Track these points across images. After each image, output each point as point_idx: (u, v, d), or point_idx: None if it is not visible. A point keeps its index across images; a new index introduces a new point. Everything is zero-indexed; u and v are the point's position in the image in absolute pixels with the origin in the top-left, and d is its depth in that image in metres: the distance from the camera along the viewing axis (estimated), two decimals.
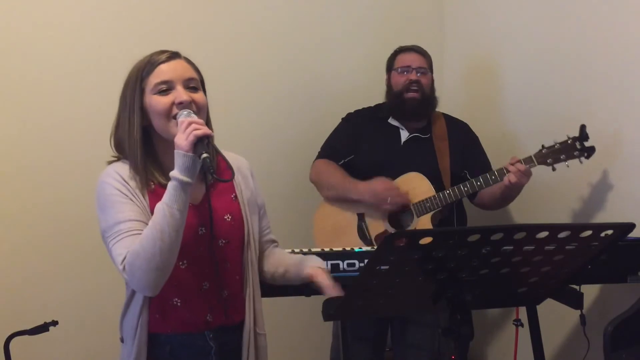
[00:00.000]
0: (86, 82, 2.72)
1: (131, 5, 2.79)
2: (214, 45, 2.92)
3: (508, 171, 2.41)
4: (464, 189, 2.51)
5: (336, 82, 3.21)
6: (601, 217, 2.54)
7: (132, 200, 1.62)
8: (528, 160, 2.41)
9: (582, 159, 2.36)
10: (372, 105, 2.87)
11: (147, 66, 1.66)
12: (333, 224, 2.72)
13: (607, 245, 1.49)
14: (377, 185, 2.57)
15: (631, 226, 1.44)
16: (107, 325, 2.65)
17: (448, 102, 3.07)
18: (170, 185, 1.55)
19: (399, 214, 2.63)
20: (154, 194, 1.66)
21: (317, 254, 2.01)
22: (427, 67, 2.75)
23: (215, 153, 1.68)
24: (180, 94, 1.63)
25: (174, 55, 1.68)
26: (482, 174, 2.50)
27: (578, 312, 2.18)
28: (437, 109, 2.80)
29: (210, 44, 2.91)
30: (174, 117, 1.62)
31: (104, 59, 2.73)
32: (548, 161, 2.39)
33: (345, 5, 3.24)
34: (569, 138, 2.37)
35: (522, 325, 2.35)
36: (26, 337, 2.25)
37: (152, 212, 1.59)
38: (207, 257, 1.70)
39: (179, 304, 1.68)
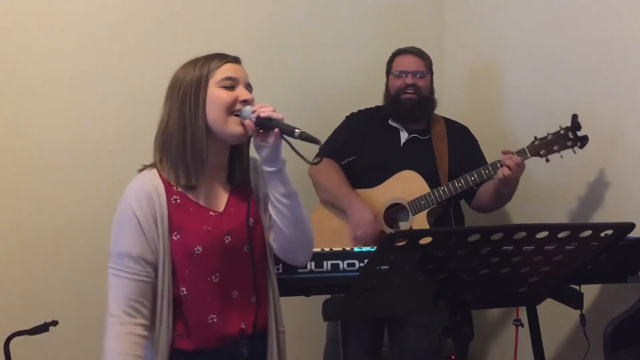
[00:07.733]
0: (87, 86, 2.71)
1: (128, 4, 2.79)
2: (214, 45, 2.90)
3: (501, 165, 2.39)
4: (457, 184, 2.49)
5: (336, 83, 3.21)
6: (600, 217, 2.54)
7: (140, 228, 1.59)
8: (521, 153, 2.39)
9: (576, 148, 2.34)
10: (373, 106, 2.86)
11: (213, 61, 1.71)
12: (328, 226, 2.70)
13: (607, 245, 1.50)
14: (368, 216, 2.55)
15: (631, 226, 1.44)
16: None
17: (448, 104, 3.06)
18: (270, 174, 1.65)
19: (395, 212, 2.63)
20: (177, 206, 1.63)
21: (317, 254, 2.00)
22: (425, 69, 2.72)
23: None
24: (245, 92, 1.68)
25: (238, 60, 1.76)
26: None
27: (578, 312, 2.17)
28: (437, 112, 2.79)
29: (211, 45, 2.89)
30: (234, 114, 1.65)
31: (101, 62, 2.73)
32: (541, 152, 2.37)
33: (346, 7, 3.24)
34: (561, 128, 2.36)
35: (522, 325, 2.35)
36: (26, 337, 2.25)
37: (172, 230, 1.60)
38: (237, 265, 1.67)
39: (215, 320, 1.64)
